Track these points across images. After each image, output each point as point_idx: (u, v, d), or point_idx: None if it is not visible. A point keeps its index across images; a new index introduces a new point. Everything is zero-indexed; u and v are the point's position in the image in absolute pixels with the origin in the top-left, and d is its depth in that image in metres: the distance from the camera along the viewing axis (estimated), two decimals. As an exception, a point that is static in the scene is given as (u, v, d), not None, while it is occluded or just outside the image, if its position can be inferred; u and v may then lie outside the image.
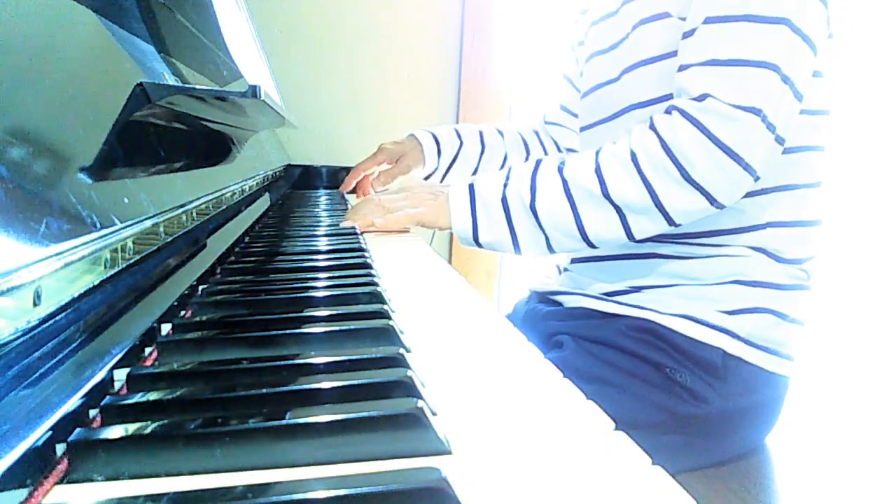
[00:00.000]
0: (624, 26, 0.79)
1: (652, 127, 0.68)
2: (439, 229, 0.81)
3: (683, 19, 0.71)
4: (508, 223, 0.74)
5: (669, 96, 0.72)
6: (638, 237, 0.71)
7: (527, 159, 1.09)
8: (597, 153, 0.72)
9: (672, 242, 0.75)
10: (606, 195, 0.69)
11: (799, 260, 0.74)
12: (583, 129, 0.89)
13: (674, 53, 0.72)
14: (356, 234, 0.76)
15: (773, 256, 0.73)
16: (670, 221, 0.69)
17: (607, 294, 0.78)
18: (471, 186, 0.77)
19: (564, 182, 0.71)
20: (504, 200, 0.74)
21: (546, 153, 1.09)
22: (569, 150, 1.09)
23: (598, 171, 0.70)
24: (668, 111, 0.68)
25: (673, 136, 0.66)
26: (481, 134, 1.09)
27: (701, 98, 0.65)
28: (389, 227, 0.82)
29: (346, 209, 1.00)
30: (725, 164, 0.65)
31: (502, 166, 1.08)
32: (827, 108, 0.74)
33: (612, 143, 0.72)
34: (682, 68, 0.69)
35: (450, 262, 1.94)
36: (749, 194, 0.70)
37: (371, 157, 1.10)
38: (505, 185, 0.75)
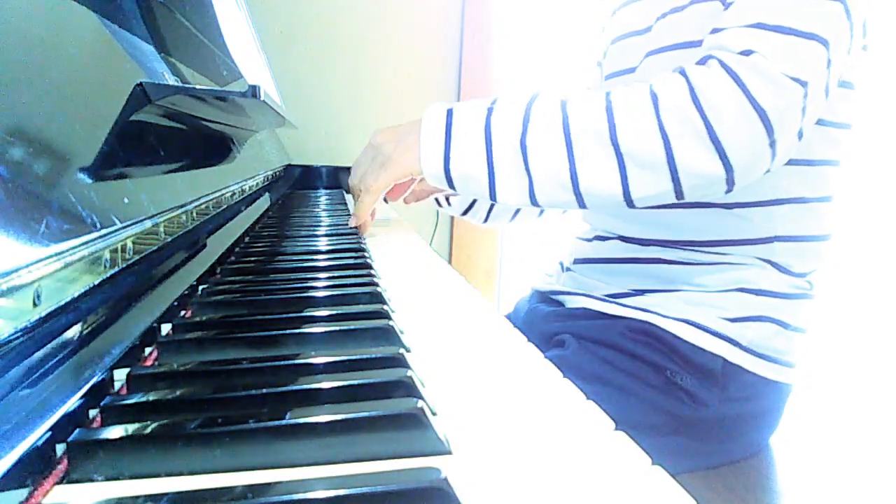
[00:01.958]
0: (658, 9, 0.77)
1: (682, 73, 0.60)
2: (413, 175, 0.70)
3: (728, 5, 0.66)
4: (488, 156, 0.63)
5: None
6: (634, 197, 0.61)
7: None
8: (607, 93, 0.63)
9: (677, 248, 0.74)
10: (613, 138, 0.60)
11: (804, 273, 0.73)
12: None
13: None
14: (356, 233, 0.76)
15: (779, 268, 0.71)
16: (676, 185, 0.60)
17: (610, 296, 0.78)
18: (449, 111, 0.67)
19: (565, 118, 0.62)
20: (487, 128, 0.63)
21: None
22: None
23: (608, 109, 0.61)
24: (702, 61, 0.61)
25: (705, 86, 0.58)
26: None
27: (744, 53, 0.58)
28: (370, 205, 0.73)
29: (346, 209, 1.00)
30: (756, 131, 0.57)
31: None
32: (850, 122, 0.72)
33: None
34: (716, 31, 0.62)
35: (450, 262, 1.94)
36: (759, 204, 0.69)
37: None
38: (490, 111, 0.64)
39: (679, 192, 0.61)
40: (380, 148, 0.71)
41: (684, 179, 0.60)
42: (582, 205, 0.63)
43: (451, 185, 0.66)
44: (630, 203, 0.62)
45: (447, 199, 0.90)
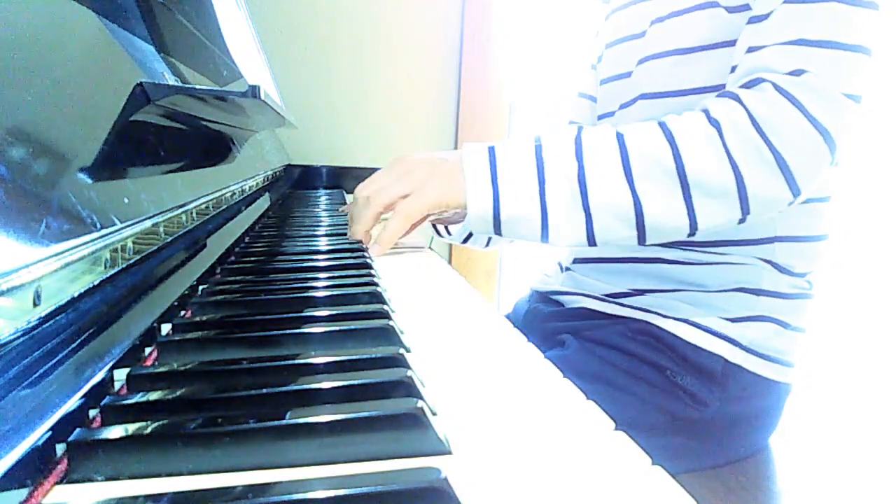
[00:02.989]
0: (651, 13, 0.77)
1: (736, 98, 0.59)
2: (454, 210, 0.65)
3: (732, 10, 0.66)
4: (541, 196, 0.60)
5: (695, 89, 0.70)
6: (700, 228, 0.60)
7: None
8: (661, 123, 0.61)
9: (677, 248, 0.74)
10: (680, 169, 0.58)
11: (804, 273, 0.73)
12: (601, 116, 0.88)
13: (708, 47, 0.69)
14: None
15: (779, 268, 0.71)
16: (744, 211, 0.59)
17: (610, 296, 0.78)
18: (490, 149, 0.63)
19: (623, 151, 0.59)
20: (539, 167, 0.60)
21: None
22: None
23: (671, 141, 0.59)
24: (751, 84, 0.60)
25: (765, 112, 0.57)
26: None
27: (796, 73, 0.57)
28: (402, 232, 0.65)
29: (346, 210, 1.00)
30: (821, 152, 0.57)
31: None
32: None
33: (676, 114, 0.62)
34: (753, 49, 0.61)
35: (450, 262, 1.94)
36: None
37: None
38: (538, 149, 0.61)
39: (744, 218, 0.60)
40: (413, 173, 0.65)
41: (753, 206, 0.59)
42: (642, 240, 0.61)
43: (497, 228, 0.62)
44: (693, 233, 0.61)
45: (447, 228, 0.87)
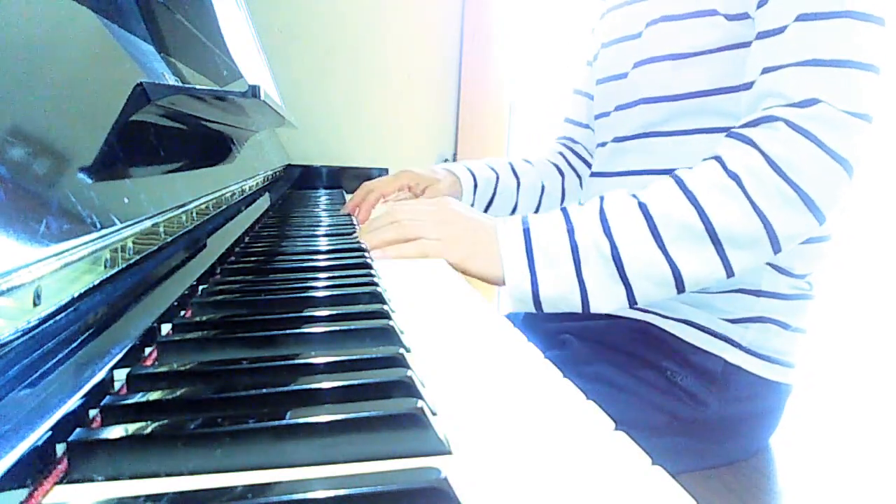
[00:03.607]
0: (647, 14, 0.77)
1: (750, 142, 0.60)
2: (483, 280, 0.65)
3: (732, 18, 0.67)
4: (579, 276, 0.62)
5: (695, 93, 0.70)
6: (737, 273, 0.61)
7: (562, 183, 1.01)
8: (678, 182, 0.62)
9: None
10: (709, 228, 0.59)
11: (804, 274, 0.73)
12: (597, 116, 0.88)
13: (707, 52, 0.69)
14: (356, 233, 0.76)
15: (779, 269, 0.72)
16: (776, 250, 0.60)
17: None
18: (525, 231, 0.64)
19: (650, 220, 0.61)
20: (574, 250, 0.62)
21: (578, 174, 1.02)
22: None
23: (693, 201, 0.60)
24: (761, 122, 0.60)
25: (783, 152, 0.58)
26: (512, 166, 1.00)
27: (807, 103, 0.58)
28: (399, 257, 0.65)
29: (347, 210, 1.00)
30: (841, 179, 0.58)
31: (541, 196, 1.00)
32: None
33: (688, 167, 0.63)
34: (768, 70, 0.62)
35: (450, 262, 1.94)
36: None
37: (391, 177, 0.95)
38: (571, 232, 0.63)
39: (776, 255, 0.61)
40: (451, 227, 0.66)
41: (784, 243, 0.60)
42: (681, 292, 0.62)
43: (537, 308, 0.63)
44: (729, 278, 0.62)
45: None
